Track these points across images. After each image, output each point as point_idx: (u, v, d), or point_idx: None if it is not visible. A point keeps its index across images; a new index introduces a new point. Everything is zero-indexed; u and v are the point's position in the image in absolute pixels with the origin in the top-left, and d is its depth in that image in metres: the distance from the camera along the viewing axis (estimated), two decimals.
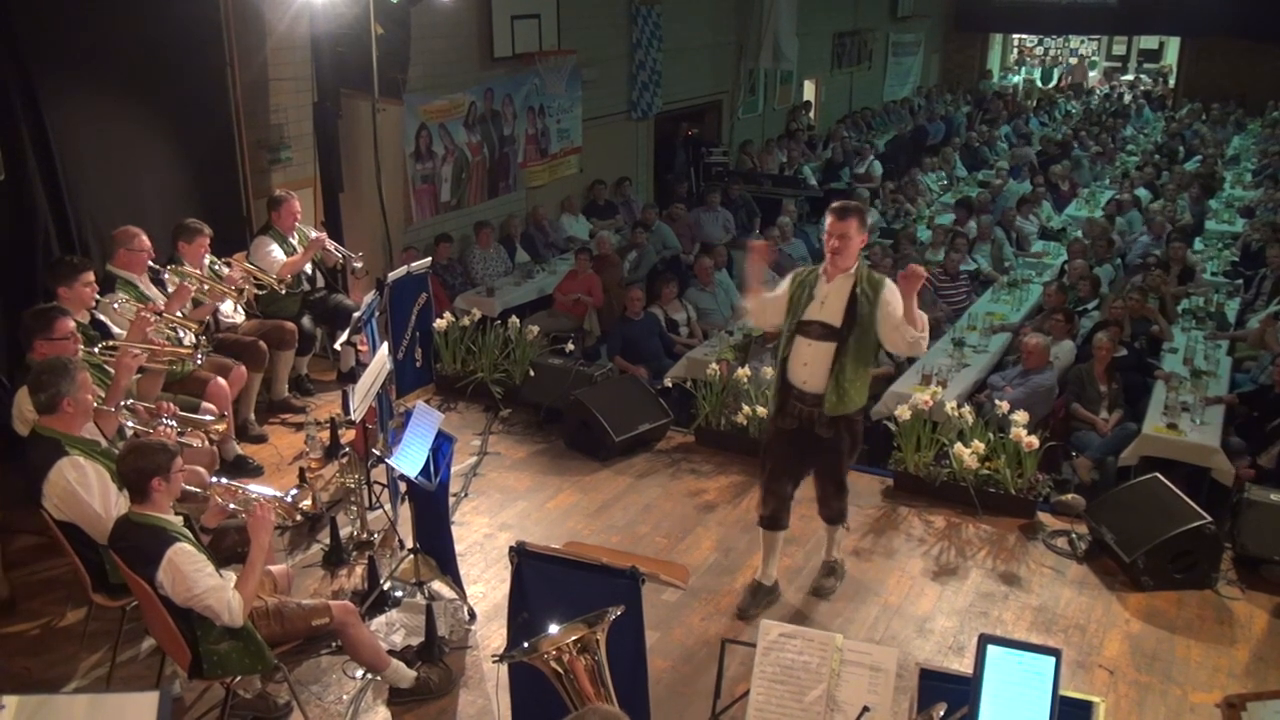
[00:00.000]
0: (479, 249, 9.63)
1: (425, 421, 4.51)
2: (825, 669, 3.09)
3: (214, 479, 4.13)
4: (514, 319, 7.35)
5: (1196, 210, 12.30)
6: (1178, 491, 5.25)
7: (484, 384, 7.02)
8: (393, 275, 6.12)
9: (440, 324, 7.15)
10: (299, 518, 4.10)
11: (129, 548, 3.50)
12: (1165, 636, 4.70)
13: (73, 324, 4.66)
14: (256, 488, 4.06)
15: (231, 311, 6.19)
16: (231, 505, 3.92)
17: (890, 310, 4.34)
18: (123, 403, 4.46)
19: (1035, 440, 5.59)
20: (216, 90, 7.08)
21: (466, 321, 7.31)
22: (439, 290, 8.41)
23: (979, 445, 5.67)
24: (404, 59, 8.57)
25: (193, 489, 3.99)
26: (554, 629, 2.93)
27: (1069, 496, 5.79)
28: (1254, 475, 6.01)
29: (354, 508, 5.31)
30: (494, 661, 4.28)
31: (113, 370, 4.59)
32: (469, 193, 10.12)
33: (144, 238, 5.65)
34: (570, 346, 7.24)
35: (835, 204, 4.48)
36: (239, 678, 3.70)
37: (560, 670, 2.79)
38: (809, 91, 17.70)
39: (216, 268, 6.02)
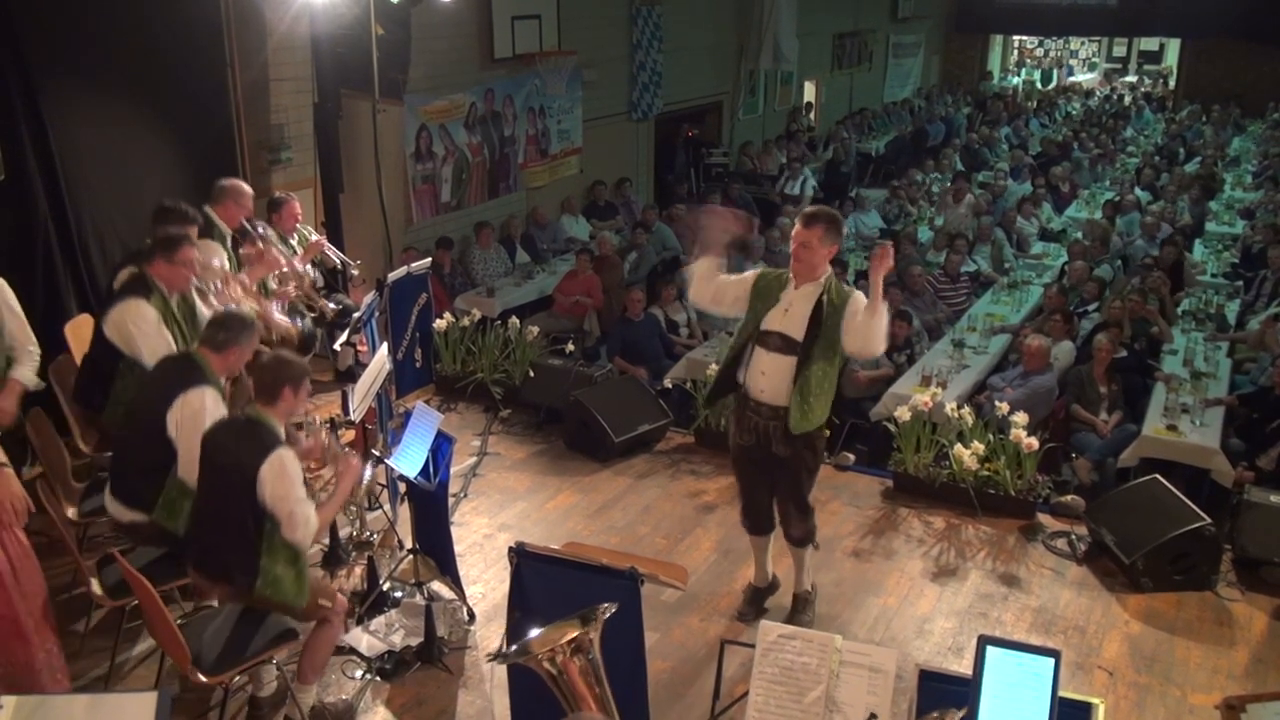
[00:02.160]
0: (479, 249, 9.62)
1: (425, 422, 4.52)
2: (824, 670, 3.09)
3: (321, 420, 4.22)
4: (514, 319, 7.36)
5: (1196, 212, 12.31)
6: (1177, 493, 5.26)
7: (484, 384, 7.02)
8: (393, 276, 6.12)
9: (440, 324, 7.16)
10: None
11: (235, 442, 3.57)
12: (1165, 638, 4.70)
13: (195, 253, 4.75)
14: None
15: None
16: (331, 450, 4.04)
17: (854, 321, 4.10)
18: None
19: (1035, 441, 5.59)
20: (217, 91, 7.08)
21: (466, 322, 7.32)
22: (439, 291, 8.41)
23: (979, 446, 5.67)
24: (404, 60, 8.57)
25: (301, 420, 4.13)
26: (541, 629, 2.88)
27: (1069, 498, 5.80)
28: (1254, 478, 6.00)
29: (353, 508, 5.31)
30: (487, 661, 4.29)
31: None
32: (469, 193, 10.12)
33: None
34: (570, 347, 7.25)
35: (807, 209, 4.26)
36: (237, 678, 3.71)
37: (554, 671, 2.76)
38: (809, 92, 17.69)
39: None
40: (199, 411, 3.89)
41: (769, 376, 4.24)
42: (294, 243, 6.61)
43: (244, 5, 7.24)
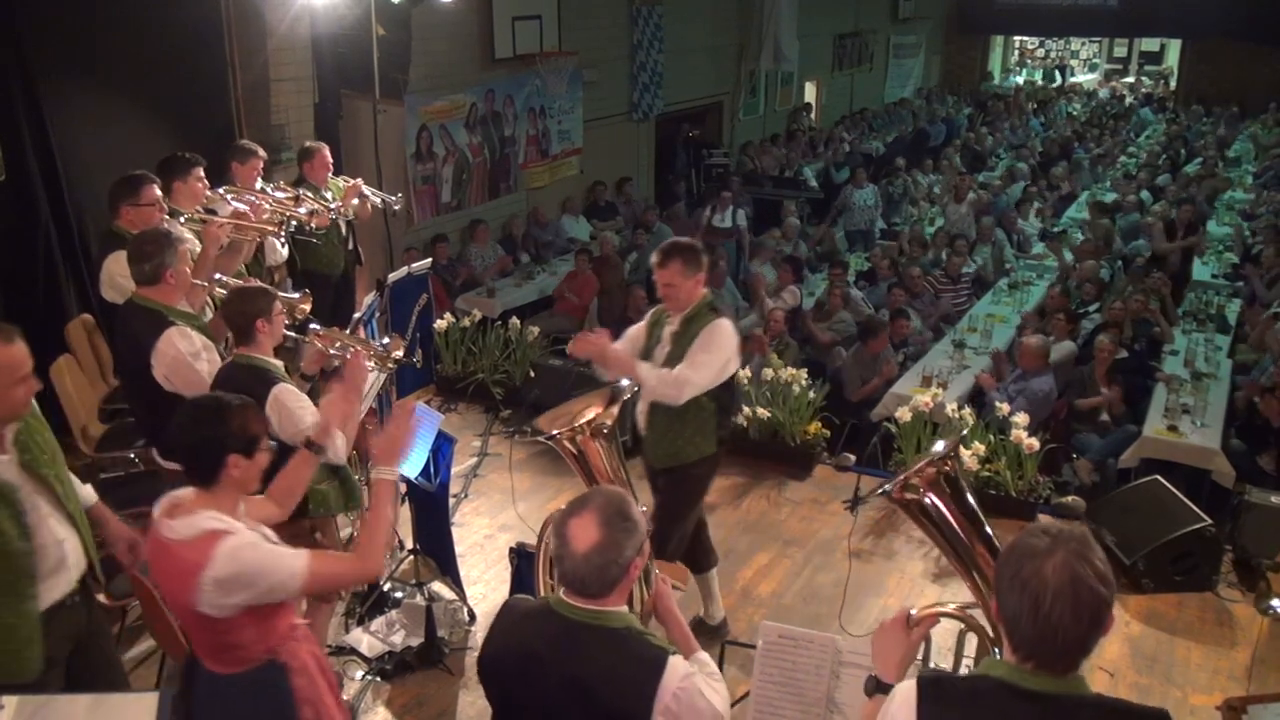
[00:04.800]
0: (475, 247, 9.62)
1: (425, 422, 4.51)
2: (825, 671, 3.09)
3: (312, 326, 4.08)
4: (514, 320, 7.36)
5: (1198, 212, 12.29)
6: (1178, 494, 5.26)
7: (484, 385, 7.02)
8: (393, 276, 6.11)
9: (441, 324, 7.16)
10: (392, 365, 4.07)
11: (234, 391, 3.50)
12: (1165, 639, 4.70)
13: (159, 192, 4.65)
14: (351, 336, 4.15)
15: (279, 252, 5.85)
16: (331, 351, 3.96)
17: (691, 350, 3.91)
18: (216, 275, 4.47)
19: (1035, 442, 5.59)
20: (217, 91, 7.07)
21: (467, 322, 7.32)
22: (440, 291, 8.41)
23: (979, 447, 5.67)
24: (405, 60, 8.58)
25: (292, 335, 4.00)
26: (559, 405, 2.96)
27: (1069, 498, 5.79)
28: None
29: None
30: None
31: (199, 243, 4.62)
32: (470, 194, 10.12)
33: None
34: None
35: (661, 247, 4.06)
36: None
37: (575, 451, 2.82)
38: (810, 93, 17.70)
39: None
40: (175, 357, 3.83)
41: (643, 413, 4.18)
42: (327, 195, 6.41)
43: (244, 5, 7.24)
